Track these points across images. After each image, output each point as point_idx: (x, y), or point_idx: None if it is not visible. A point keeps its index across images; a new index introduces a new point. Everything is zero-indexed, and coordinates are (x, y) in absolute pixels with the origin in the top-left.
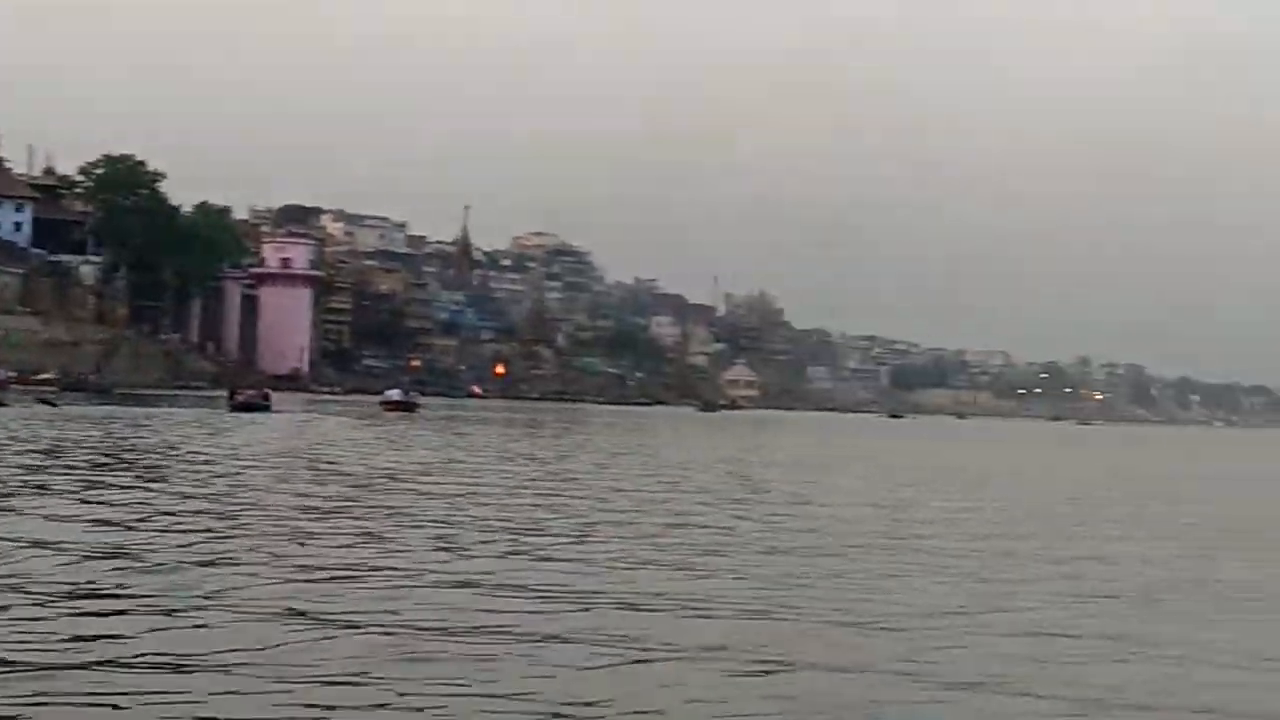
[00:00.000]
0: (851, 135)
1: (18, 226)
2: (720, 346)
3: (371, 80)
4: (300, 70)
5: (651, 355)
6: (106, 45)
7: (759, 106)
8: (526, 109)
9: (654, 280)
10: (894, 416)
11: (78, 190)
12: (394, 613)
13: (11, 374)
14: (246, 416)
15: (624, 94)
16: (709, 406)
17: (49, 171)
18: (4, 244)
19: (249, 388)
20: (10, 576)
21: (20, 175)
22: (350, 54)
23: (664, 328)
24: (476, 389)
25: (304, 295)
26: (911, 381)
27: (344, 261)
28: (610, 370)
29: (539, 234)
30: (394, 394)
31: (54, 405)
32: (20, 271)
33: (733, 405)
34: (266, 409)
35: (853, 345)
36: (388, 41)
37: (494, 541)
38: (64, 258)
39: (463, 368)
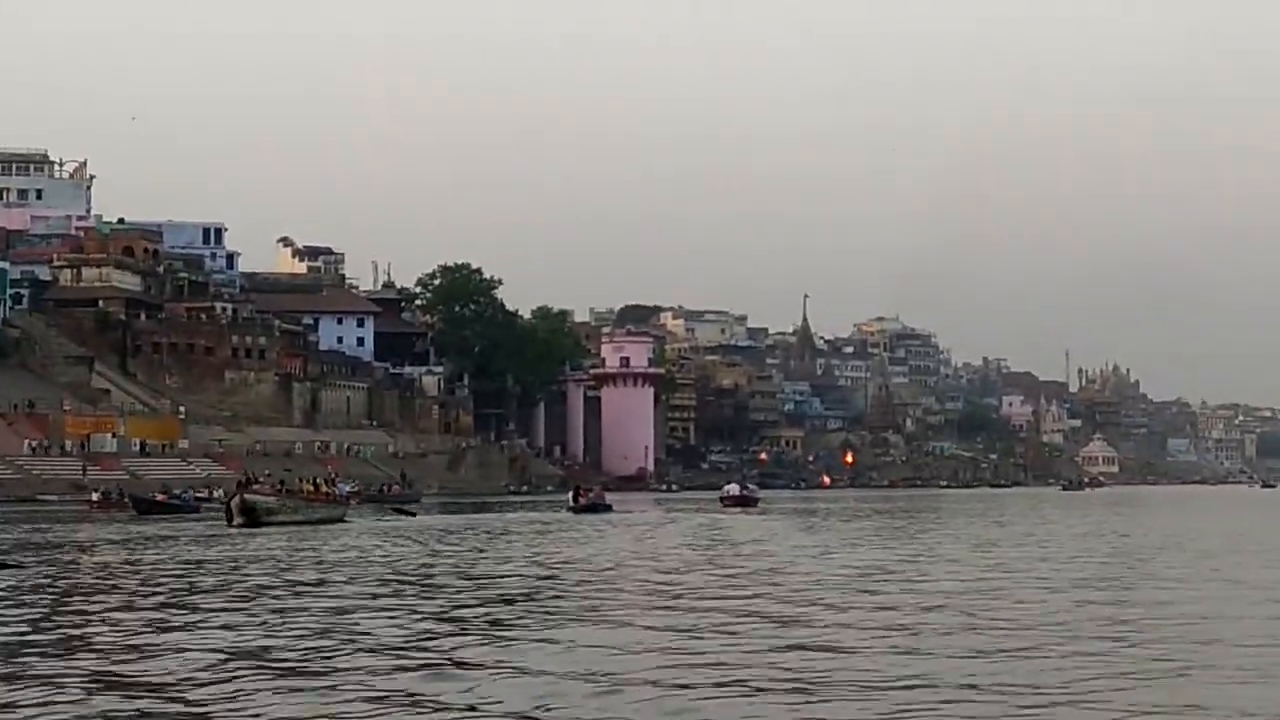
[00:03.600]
0: (1189, 192)
1: (360, 341)
2: (1075, 423)
3: (705, 184)
4: (631, 172)
5: (1004, 436)
6: (434, 158)
7: (1089, 167)
8: (859, 197)
9: (1002, 359)
10: (1267, 486)
11: (418, 302)
12: None
13: (356, 488)
14: (590, 517)
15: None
16: (1074, 485)
17: (388, 285)
18: (348, 359)
19: (589, 490)
20: None
21: (362, 292)
22: (679, 155)
23: (1015, 407)
24: (826, 479)
25: (645, 394)
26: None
27: (686, 358)
28: (962, 453)
29: (880, 319)
30: (732, 489)
31: (411, 515)
32: (365, 385)
33: (1094, 483)
34: (609, 509)
35: (1215, 415)
36: (716, 144)
37: None
38: (407, 369)
39: (811, 458)
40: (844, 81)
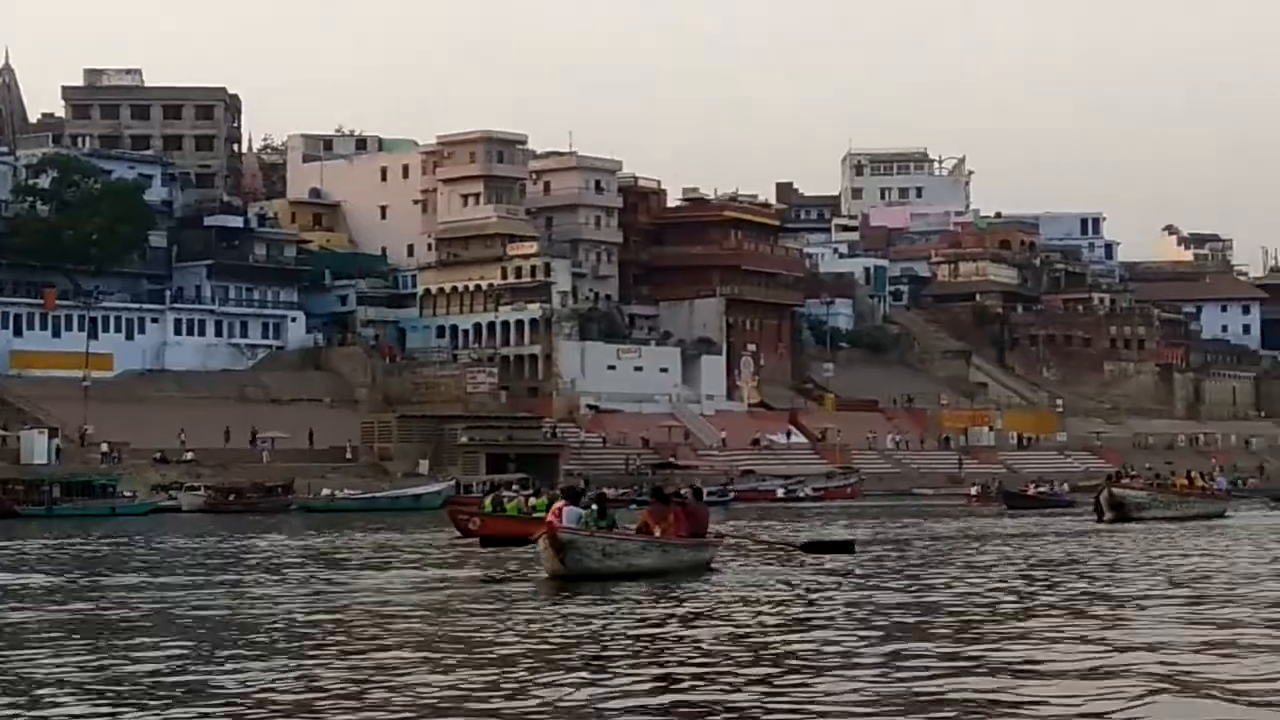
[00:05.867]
0: None
1: (1245, 329)
2: None
3: None
4: None
5: None
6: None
7: None
8: None
9: None
10: None
11: None
12: None
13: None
14: None
15: None
16: None
17: (1275, 270)
18: (1233, 347)
19: None
20: None
21: (1249, 278)
22: None
23: None
24: None
25: None
26: None
27: None
28: None
29: None
30: None
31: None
32: (1250, 375)
33: None
34: None
35: None
36: None
37: None
38: None
39: None
40: None
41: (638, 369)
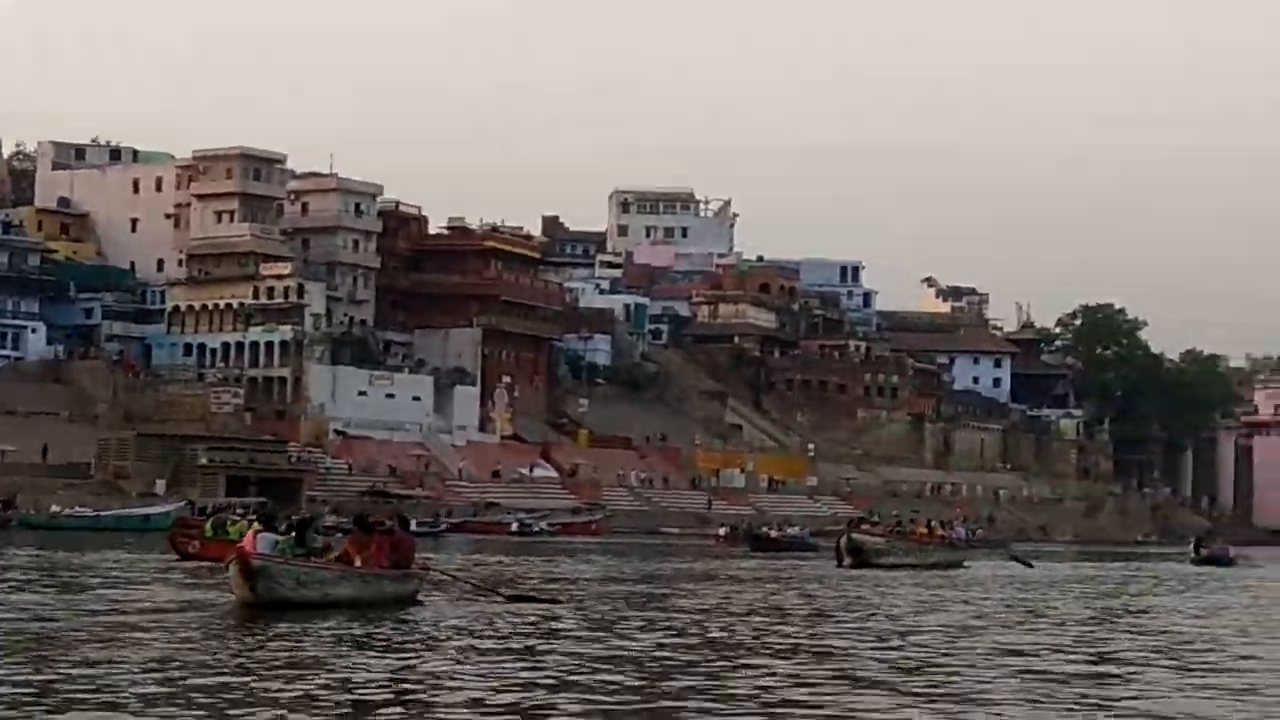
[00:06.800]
0: None
1: (996, 382)
2: None
3: None
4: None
5: None
6: (1071, 197)
7: None
8: None
9: None
10: None
11: (1058, 343)
12: None
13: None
14: (1209, 571)
15: None
16: None
17: (1027, 325)
18: (983, 400)
19: (1211, 542)
20: None
21: (1003, 332)
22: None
23: None
24: None
25: None
26: None
27: None
28: None
29: None
30: None
31: (1029, 565)
32: (999, 427)
33: None
34: (1230, 563)
35: None
36: None
37: None
38: (1044, 412)
39: None
40: None
41: (389, 396)
